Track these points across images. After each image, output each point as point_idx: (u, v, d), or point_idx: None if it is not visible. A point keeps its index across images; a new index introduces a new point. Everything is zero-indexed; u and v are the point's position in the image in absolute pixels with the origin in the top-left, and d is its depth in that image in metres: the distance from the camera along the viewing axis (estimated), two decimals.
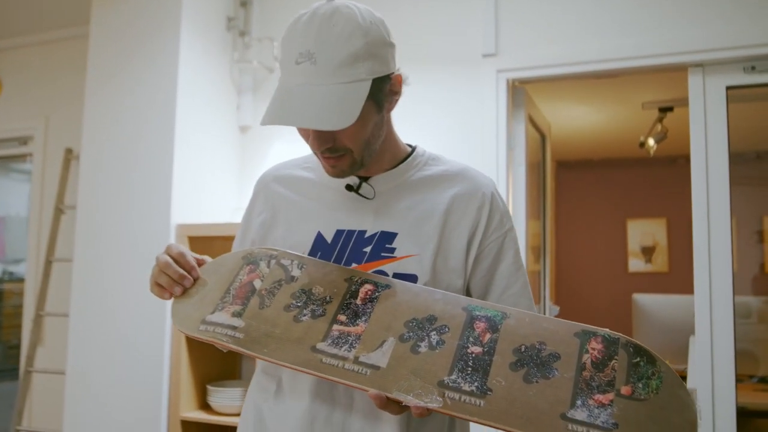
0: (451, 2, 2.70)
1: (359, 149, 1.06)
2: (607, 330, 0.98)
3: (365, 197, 1.14)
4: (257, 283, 1.08)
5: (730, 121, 2.34)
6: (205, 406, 2.61)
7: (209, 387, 2.57)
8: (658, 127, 3.61)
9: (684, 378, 3.05)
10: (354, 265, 1.10)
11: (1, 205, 4.08)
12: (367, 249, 1.10)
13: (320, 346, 0.98)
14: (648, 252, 5.33)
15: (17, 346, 3.62)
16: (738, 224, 4.41)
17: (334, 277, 1.07)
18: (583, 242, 5.54)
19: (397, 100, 1.12)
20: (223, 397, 2.52)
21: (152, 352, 2.55)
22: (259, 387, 1.17)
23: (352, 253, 1.11)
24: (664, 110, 3.51)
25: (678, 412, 0.87)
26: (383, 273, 1.08)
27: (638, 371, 0.91)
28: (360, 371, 0.94)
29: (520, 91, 2.71)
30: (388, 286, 1.04)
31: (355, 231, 1.12)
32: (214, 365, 2.72)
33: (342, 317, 1.01)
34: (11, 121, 3.72)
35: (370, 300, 1.03)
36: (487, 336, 0.97)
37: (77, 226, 2.81)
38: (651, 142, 3.72)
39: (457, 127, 2.63)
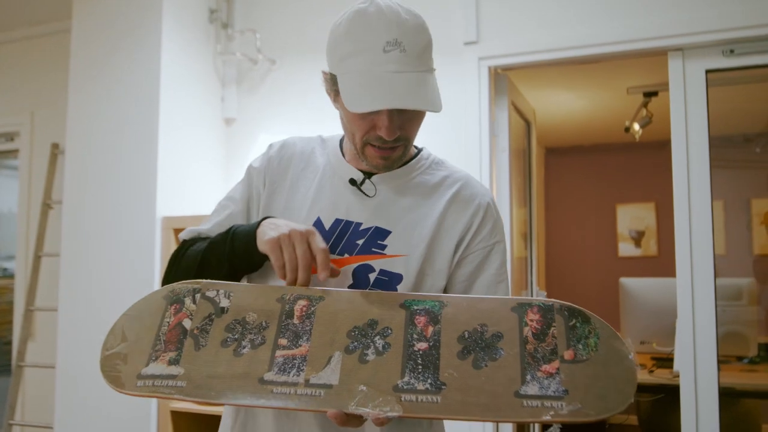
0: None
1: (413, 139, 1.15)
2: (540, 298, 1.00)
3: (366, 195, 1.16)
4: (187, 323, 1.02)
5: (710, 104, 2.35)
6: None
7: None
8: (643, 112, 3.62)
9: (671, 360, 3.08)
10: (345, 255, 1.10)
11: None
12: (360, 241, 1.12)
13: (267, 376, 0.94)
14: (638, 236, 5.36)
15: (11, 342, 3.64)
16: (727, 207, 4.43)
17: (265, 299, 1.03)
18: (572, 228, 5.56)
19: None
20: None
21: None
22: None
23: (346, 243, 1.12)
24: (649, 95, 3.53)
25: (617, 364, 0.91)
26: (371, 267, 1.10)
27: (576, 333, 0.94)
28: (314, 393, 0.92)
29: (502, 78, 2.71)
30: (321, 298, 1.02)
31: (352, 222, 1.13)
32: None
33: (283, 341, 0.98)
34: None
35: (307, 316, 1.00)
36: (430, 329, 0.97)
37: (63, 220, 2.82)
38: (636, 127, 3.73)
39: (441, 116, 2.61)
